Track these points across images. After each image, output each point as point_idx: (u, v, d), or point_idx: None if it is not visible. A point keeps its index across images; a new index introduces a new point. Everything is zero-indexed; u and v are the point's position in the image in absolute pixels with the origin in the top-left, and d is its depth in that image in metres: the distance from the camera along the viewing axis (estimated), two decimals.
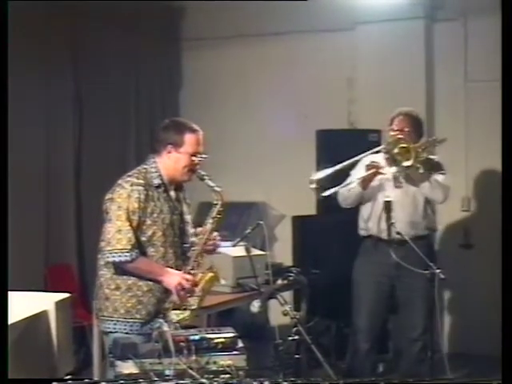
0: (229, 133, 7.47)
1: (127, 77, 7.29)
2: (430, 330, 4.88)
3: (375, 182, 5.09)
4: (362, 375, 5.03)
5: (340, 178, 5.18)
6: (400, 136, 4.95)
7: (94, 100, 6.85)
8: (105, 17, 6.78)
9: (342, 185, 5.18)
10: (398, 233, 4.77)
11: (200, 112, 7.20)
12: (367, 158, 5.17)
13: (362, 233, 5.24)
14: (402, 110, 5.16)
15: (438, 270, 4.41)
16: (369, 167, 5.02)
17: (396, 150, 4.90)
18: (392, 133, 5.10)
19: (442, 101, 6.99)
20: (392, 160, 4.99)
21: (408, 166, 4.90)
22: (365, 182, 5.04)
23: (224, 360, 3.33)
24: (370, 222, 5.15)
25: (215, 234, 4.06)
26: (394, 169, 5.03)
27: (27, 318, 2.93)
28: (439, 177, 5.10)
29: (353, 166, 5.24)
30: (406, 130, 5.06)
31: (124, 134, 7.28)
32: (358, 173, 5.12)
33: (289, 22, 7.31)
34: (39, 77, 6.35)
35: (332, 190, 5.09)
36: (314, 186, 5.08)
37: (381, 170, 5.02)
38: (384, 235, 5.02)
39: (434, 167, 5.11)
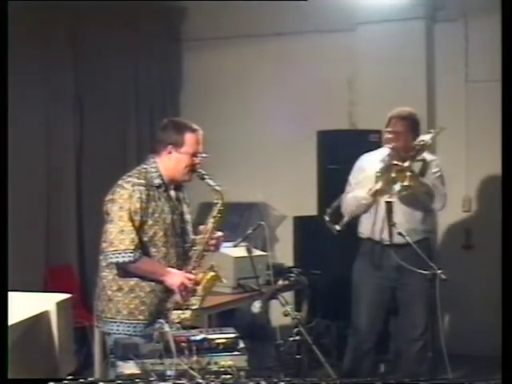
0: (229, 133, 7.46)
1: (127, 77, 7.28)
2: (431, 329, 4.89)
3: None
4: (361, 376, 5.03)
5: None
6: (393, 162, 4.86)
7: (94, 100, 6.85)
8: (105, 16, 6.78)
9: (347, 193, 5.16)
10: (400, 233, 4.76)
11: (200, 112, 7.19)
12: (367, 165, 5.15)
13: (362, 235, 5.23)
14: (400, 113, 5.09)
15: (439, 271, 4.41)
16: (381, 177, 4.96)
17: (393, 175, 4.85)
18: (388, 135, 5.05)
19: (443, 101, 6.98)
20: (391, 183, 4.90)
21: (406, 185, 4.85)
22: (377, 192, 4.99)
23: (225, 360, 3.32)
24: (370, 225, 5.13)
25: (217, 233, 4.06)
26: (396, 187, 4.95)
27: (28, 318, 2.93)
28: (437, 184, 5.08)
29: (354, 172, 5.23)
30: (403, 132, 5.00)
31: (124, 135, 7.28)
32: (364, 181, 5.08)
33: (289, 23, 7.31)
34: (39, 76, 6.35)
35: (344, 221, 5.04)
36: (327, 219, 5.04)
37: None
38: (385, 238, 5.02)
39: (430, 173, 5.07)
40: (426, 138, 5.00)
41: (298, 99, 7.29)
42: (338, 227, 4.96)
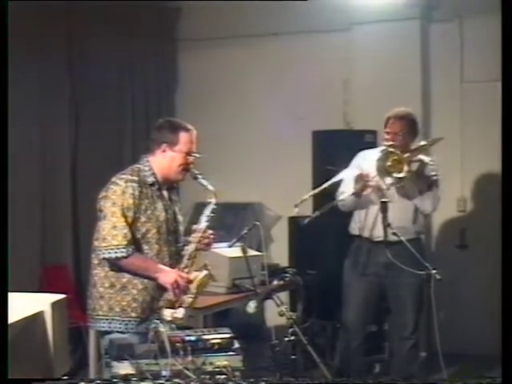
0: (225, 133, 7.47)
1: (123, 77, 7.28)
2: (422, 328, 4.90)
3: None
4: (352, 374, 5.03)
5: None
6: (391, 150, 4.90)
7: (89, 100, 6.85)
8: (101, 17, 6.78)
9: (339, 192, 5.17)
10: (394, 233, 4.76)
11: (196, 113, 7.21)
12: (357, 164, 5.17)
13: (352, 232, 5.24)
14: (397, 113, 5.11)
15: (434, 271, 4.41)
16: (359, 179, 4.98)
17: (388, 163, 4.87)
18: (386, 136, 5.08)
19: (438, 101, 6.99)
20: (385, 171, 4.92)
21: (401, 178, 4.87)
22: (357, 193, 5.02)
23: (220, 361, 3.33)
24: (362, 223, 5.14)
25: (210, 231, 4.07)
26: (388, 180, 4.97)
27: (23, 318, 2.92)
28: (431, 187, 5.09)
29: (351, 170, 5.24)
30: (400, 132, 5.03)
31: (120, 135, 7.28)
32: (350, 180, 5.10)
33: (285, 23, 7.31)
34: (35, 76, 6.34)
35: (310, 218, 5.13)
36: (296, 211, 5.06)
37: (370, 182, 4.97)
38: (374, 235, 5.04)
39: (426, 175, 5.10)
40: (424, 142, 5.03)
41: (294, 99, 7.29)
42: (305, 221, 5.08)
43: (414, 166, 5.03)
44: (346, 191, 5.09)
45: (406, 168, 4.85)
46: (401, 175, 4.87)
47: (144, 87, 7.51)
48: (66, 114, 6.69)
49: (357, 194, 5.02)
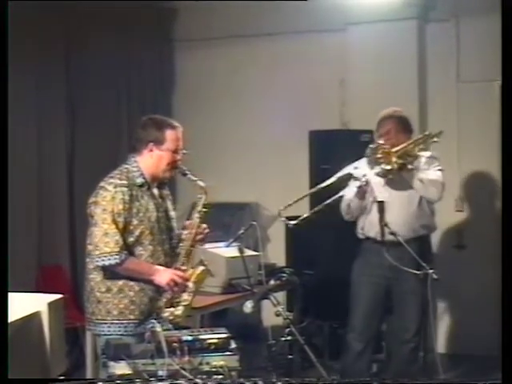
0: (221, 133, 7.47)
1: (119, 77, 7.28)
2: (423, 330, 4.88)
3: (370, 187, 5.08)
4: (357, 375, 5.02)
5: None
6: (381, 141, 4.93)
7: (86, 101, 6.84)
8: (97, 17, 6.78)
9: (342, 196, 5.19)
10: (393, 233, 4.76)
11: (192, 113, 7.22)
12: (354, 167, 5.17)
13: (360, 236, 5.23)
14: (385, 114, 5.16)
15: (431, 271, 4.41)
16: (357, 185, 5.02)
17: (378, 155, 4.89)
18: (379, 138, 5.09)
19: (435, 101, 6.99)
20: (375, 164, 4.94)
21: (389, 170, 4.88)
22: (360, 194, 5.05)
23: (217, 361, 3.33)
24: (366, 224, 5.14)
25: (203, 226, 4.06)
26: (376, 171, 4.98)
27: (20, 318, 2.93)
28: (433, 174, 5.08)
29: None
30: (392, 131, 5.07)
31: (116, 136, 7.27)
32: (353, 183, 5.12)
33: (280, 23, 7.31)
34: (31, 77, 6.34)
35: (300, 218, 5.13)
36: (282, 218, 5.15)
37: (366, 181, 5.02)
38: (379, 237, 5.03)
39: (427, 164, 5.10)
40: (420, 136, 5.05)
41: (290, 99, 7.28)
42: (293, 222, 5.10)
43: (411, 160, 5.03)
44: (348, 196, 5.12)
45: (394, 159, 4.86)
46: (388, 167, 4.88)
47: (140, 88, 7.50)
48: (63, 115, 6.69)
49: (360, 195, 5.04)
